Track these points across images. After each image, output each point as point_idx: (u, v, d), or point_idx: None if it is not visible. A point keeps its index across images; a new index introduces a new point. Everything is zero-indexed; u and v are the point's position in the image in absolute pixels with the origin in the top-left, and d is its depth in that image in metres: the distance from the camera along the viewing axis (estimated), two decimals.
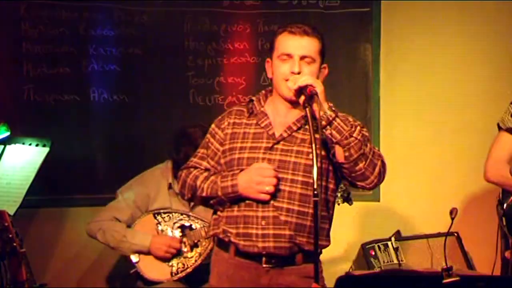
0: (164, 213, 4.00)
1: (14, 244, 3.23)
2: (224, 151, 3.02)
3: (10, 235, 3.25)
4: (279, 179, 2.89)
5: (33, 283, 3.30)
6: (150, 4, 4.54)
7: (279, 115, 3.01)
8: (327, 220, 3.01)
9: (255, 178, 2.88)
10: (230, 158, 2.99)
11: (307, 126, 2.96)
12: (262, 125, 3.00)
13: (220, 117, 3.10)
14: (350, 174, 2.91)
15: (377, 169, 2.91)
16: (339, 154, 2.88)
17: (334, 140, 2.85)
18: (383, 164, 2.93)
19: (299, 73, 2.91)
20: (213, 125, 3.10)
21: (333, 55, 4.62)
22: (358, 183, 2.94)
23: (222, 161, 3.02)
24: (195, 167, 3.07)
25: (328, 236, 3.03)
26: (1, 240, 3.25)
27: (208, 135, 3.10)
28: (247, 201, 2.93)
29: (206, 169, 3.05)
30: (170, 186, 4.06)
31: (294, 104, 2.99)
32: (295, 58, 2.93)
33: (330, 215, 3.03)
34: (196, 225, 3.98)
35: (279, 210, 2.91)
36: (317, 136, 2.76)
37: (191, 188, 3.04)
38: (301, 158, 2.93)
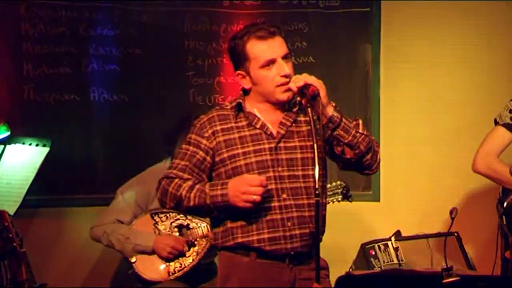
0: (162, 213, 4.00)
1: (14, 244, 3.23)
2: (223, 160, 2.95)
3: (10, 235, 3.25)
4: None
5: (33, 283, 3.30)
6: (150, 4, 4.54)
7: (266, 113, 2.99)
8: (326, 206, 3.07)
9: (242, 188, 2.82)
10: (234, 165, 2.93)
11: (299, 118, 2.98)
12: (257, 125, 2.97)
13: (198, 125, 3.01)
14: (356, 165, 2.94)
15: (379, 156, 2.98)
16: (348, 151, 2.89)
17: (345, 141, 2.86)
18: (379, 149, 3.00)
19: (289, 74, 2.90)
20: (192, 135, 3.00)
21: (333, 55, 4.66)
22: (363, 171, 2.98)
23: (221, 169, 2.96)
24: (177, 177, 2.98)
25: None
26: (1, 240, 3.25)
27: (188, 146, 3.00)
28: (264, 206, 2.89)
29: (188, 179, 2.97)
30: None
31: (281, 105, 2.99)
32: (279, 61, 2.91)
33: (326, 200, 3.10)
34: (193, 224, 3.98)
35: (301, 208, 2.91)
36: (317, 129, 2.78)
37: (174, 197, 2.94)
38: (306, 153, 2.94)
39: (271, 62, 2.91)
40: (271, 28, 2.94)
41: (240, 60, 2.96)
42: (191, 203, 2.91)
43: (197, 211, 2.99)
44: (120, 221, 4.00)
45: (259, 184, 2.82)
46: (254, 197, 2.81)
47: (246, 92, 3.04)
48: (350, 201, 4.02)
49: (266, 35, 2.92)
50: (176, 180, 2.96)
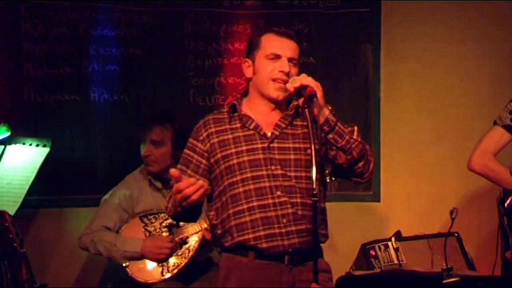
0: (150, 214, 4.01)
1: (15, 244, 3.23)
2: (217, 161, 3.00)
3: (11, 235, 3.25)
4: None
5: (33, 283, 3.30)
6: (150, 5, 4.54)
7: (262, 115, 3.02)
8: (325, 210, 3.08)
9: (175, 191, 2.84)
10: (227, 165, 2.97)
11: (294, 122, 3.00)
12: (251, 127, 3.00)
13: (195, 129, 3.08)
14: (348, 172, 2.95)
15: (371, 165, 3.00)
16: (340, 156, 2.90)
17: (338, 145, 2.87)
18: (373, 159, 3.01)
19: (288, 72, 2.93)
20: (190, 139, 3.08)
21: (333, 55, 4.65)
22: (354, 179, 2.99)
23: (217, 171, 3.00)
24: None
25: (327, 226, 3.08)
26: (1, 240, 3.26)
27: (186, 150, 3.07)
28: (259, 203, 2.92)
29: None
30: (151, 182, 4.08)
31: (276, 104, 3.00)
32: (284, 58, 2.96)
33: (325, 204, 3.08)
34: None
35: (295, 206, 2.93)
36: (314, 132, 2.79)
37: (166, 209, 3.08)
38: (300, 154, 2.96)
39: (276, 56, 2.96)
40: (289, 31, 3.02)
41: (251, 47, 3.03)
42: (171, 213, 3.03)
43: (181, 217, 3.09)
44: (107, 227, 4.00)
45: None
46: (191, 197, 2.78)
47: (246, 93, 3.07)
48: (338, 181, 4.00)
49: (283, 34, 2.99)
50: (170, 192, 3.03)
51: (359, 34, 4.66)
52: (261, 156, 2.96)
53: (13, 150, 3.81)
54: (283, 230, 2.92)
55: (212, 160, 3.01)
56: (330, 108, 2.91)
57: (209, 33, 4.60)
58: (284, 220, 2.92)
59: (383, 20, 4.66)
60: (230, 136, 3.00)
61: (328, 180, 3.67)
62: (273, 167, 2.95)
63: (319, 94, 2.83)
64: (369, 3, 4.64)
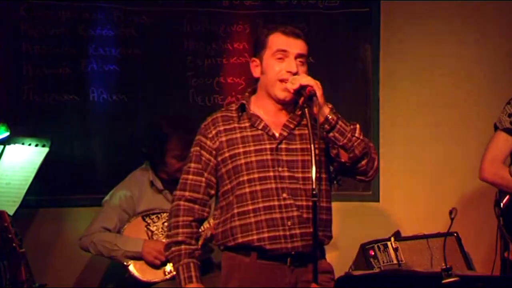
0: (153, 214, 4.01)
1: (14, 244, 3.24)
2: (224, 160, 2.98)
3: (10, 235, 3.25)
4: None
5: (32, 283, 3.30)
6: (150, 4, 4.54)
7: (270, 115, 3.00)
8: (331, 210, 3.04)
9: None
10: (234, 165, 2.95)
11: (302, 122, 2.99)
12: (260, 127, 2.98)
13: (203, 126, 3.05)
14: (351, 171, 2.94)
15: (376, 163, 2.98)
16: (343, 154, 2.89)
17: (339, 143, 2.86)
18: (378, 156, 2.99)
19: (296, 72, 2.91)
20: (199, 136, 3.04)
21: (333, 55, 4.66)
22: (358, 177, 2.98)
23: (223, 170, 2.98)
24: (193, 190, 3.00)
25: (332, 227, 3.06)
26: (0, 240, 3.26)
27: (196, 147, 3.04)
28: (264, 205, 2.91)
29: (205, 194, 3.02)
30: (152, 184, 4.08)
31: (284, 104, 2.99)
32: (291, 57, 2.94)
33: (331, 204, 3.05)
34: None
35: (301, 209, 2.91)
36: (316, 131, 2.78)
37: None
38: (308, 155, 2.93)
39: (284, 55, 2.93)
40: (297, 30, 2.98)
41: (259, 47, 3.00)
42: None
43: None
44: (106, 228, 4.00)
45: None
46: None
47: (254, 90, 3.06)
48: (340, 185, 3.99)
49: (291, 33, 2.96)
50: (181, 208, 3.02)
51: (359, 34, 4.66)
52: (269, 157, 2.95)
53: (12, 150, 3.81)
54: (287, 233, 2.91)
55: (219, 159, 2.99)
56: (330, 106, 2.90)
57: (208, 33, 4.59)
58: (289, 223, 2.91)
59: (382, 20, 4.66)
60: (239, 135, 2.98)
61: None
62: (280, 169, 2.94)
63: (319, 93, 2.82)
64: (369, 3, 4.64)
